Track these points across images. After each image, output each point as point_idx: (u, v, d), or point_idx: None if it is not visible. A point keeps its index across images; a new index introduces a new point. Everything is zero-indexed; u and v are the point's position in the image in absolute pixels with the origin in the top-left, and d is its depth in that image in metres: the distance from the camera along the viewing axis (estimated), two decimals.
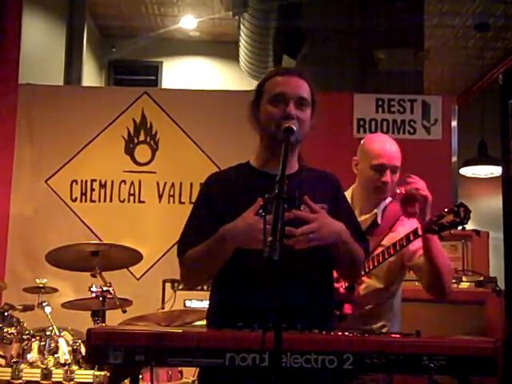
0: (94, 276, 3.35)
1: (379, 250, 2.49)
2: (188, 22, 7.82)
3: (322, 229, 1.81)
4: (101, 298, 3.27)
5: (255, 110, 2.04)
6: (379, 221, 2.57)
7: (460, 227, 2.38)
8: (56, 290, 3.78)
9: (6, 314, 3.37)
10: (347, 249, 1.94)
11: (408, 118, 4.89)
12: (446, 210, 2.39)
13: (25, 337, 3.22)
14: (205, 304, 3.97)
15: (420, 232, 2.40)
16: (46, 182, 4.78)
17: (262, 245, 1.63)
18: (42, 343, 3.17)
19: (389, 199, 2.65)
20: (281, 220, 1.51)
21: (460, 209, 2.37)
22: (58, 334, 3.26)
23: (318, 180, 2.08)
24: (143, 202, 4.82)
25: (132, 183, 4.82)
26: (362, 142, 2.69)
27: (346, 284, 2.42)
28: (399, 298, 2.67)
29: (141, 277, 4.66)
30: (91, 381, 3.02)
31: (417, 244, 2.48)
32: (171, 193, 4.82)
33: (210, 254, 1.90)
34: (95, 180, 4.81)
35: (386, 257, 2.48)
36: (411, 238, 2.43)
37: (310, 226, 1.78)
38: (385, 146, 2.60)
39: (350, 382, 2.21)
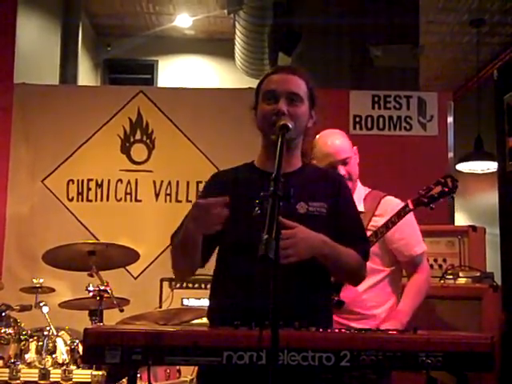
0: (91, 275, 3.35)
1: (369, 233, 2.52)
2: (183, 21, 7.81)
3: (297, 245, 1.81)
4: (98, 298, 3.27)
5: (256, 112, 2.06)
6: (361, 209, 2.59)
7: (449, 196, 2.48)
8: (53, 290, 3.78)
9: (3, 314, 3.36)
10: (332, 260, 1.94)
11: (404, 115, 4.90)
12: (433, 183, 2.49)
13: (22, 337, 3.21)
14: (202, 302, 3.98)
15: (411, 206, 2.50)
16: (42, 181, 4.77)
17: (210, 227, 1.79)
18: (40, 343, 3.16)
19: (365, 190, 2.72)
20: (276, 218, 1.51)
21: (447, 179, 2.46)
22: (55, 333, 3.25)
23: (319, 179, 2.08)
24: (140, 200, 4.81)
25: (128, 182, 4.82)
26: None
27: (336, 299, 2.43)
28: (396, 287, 2.69)
29: (138, 276, 4.66)
30: (89, 380, 3.02)
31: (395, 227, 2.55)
32: (168, 191, 4.81)
33: (182, 241, 1.94)
34: (91, 179, 4.80)
35: (380, 236, 2.55)
36: (402, 213, 2.51)
37: (286, 242, 1.77)
38: (327, 144, 2.67)
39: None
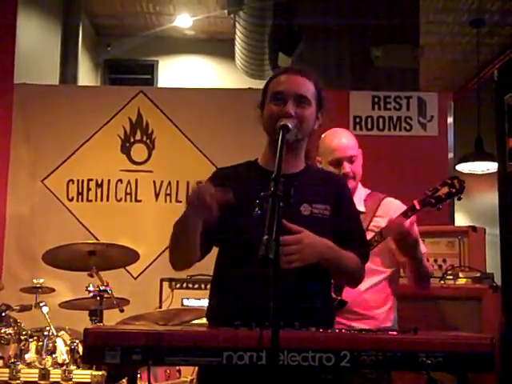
0: (91, 275, 3.35)
1: (370, 234, 2.52)
2: (183, 21, 7.82)
3: (303, 250, 1.82)
4: (98, 298, 3.27)
5: (262, 111, 2.06)
6: (362, 209, 2.59)
7: (456, 197, 2.46)
8: (53, 290, 3.77)
9: (3, 314, 3.36)
10: (334, 265, 1.95)
11: (404, 115, 4.90)
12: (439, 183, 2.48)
13: (22, 337, 3.21)
14: (202, 303, 3.97)
15: (418, 207, 2.47)
16: (42, 181, 4.77)
17: (208, 209, 1.77)
18: (40, 343, 3.17)
19: (365, 191, 2.72)
20: (276, 218, 1.51)
21: (454, 180, 2.45)
22: (55, 334, 3.25)
23: (322, 181, 2.08)
24: (140, 201, 4.81)
25: (128, 182, 4.82)
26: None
27: (339, 298, 2.43)
28: (395, 288, 2.69)
29: (138, 276, 4.66)
30: (89, 381, 3.02)
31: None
32: (168, 192, 4.81)
33: (181, 224, 1.94)
34: (92, 179, 4.80)
35: (385, 237, 2.53)
36: (408, 214, 2.49)
37: (292, 247, 1.78)
38: (334, 140, 2.67)
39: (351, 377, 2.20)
